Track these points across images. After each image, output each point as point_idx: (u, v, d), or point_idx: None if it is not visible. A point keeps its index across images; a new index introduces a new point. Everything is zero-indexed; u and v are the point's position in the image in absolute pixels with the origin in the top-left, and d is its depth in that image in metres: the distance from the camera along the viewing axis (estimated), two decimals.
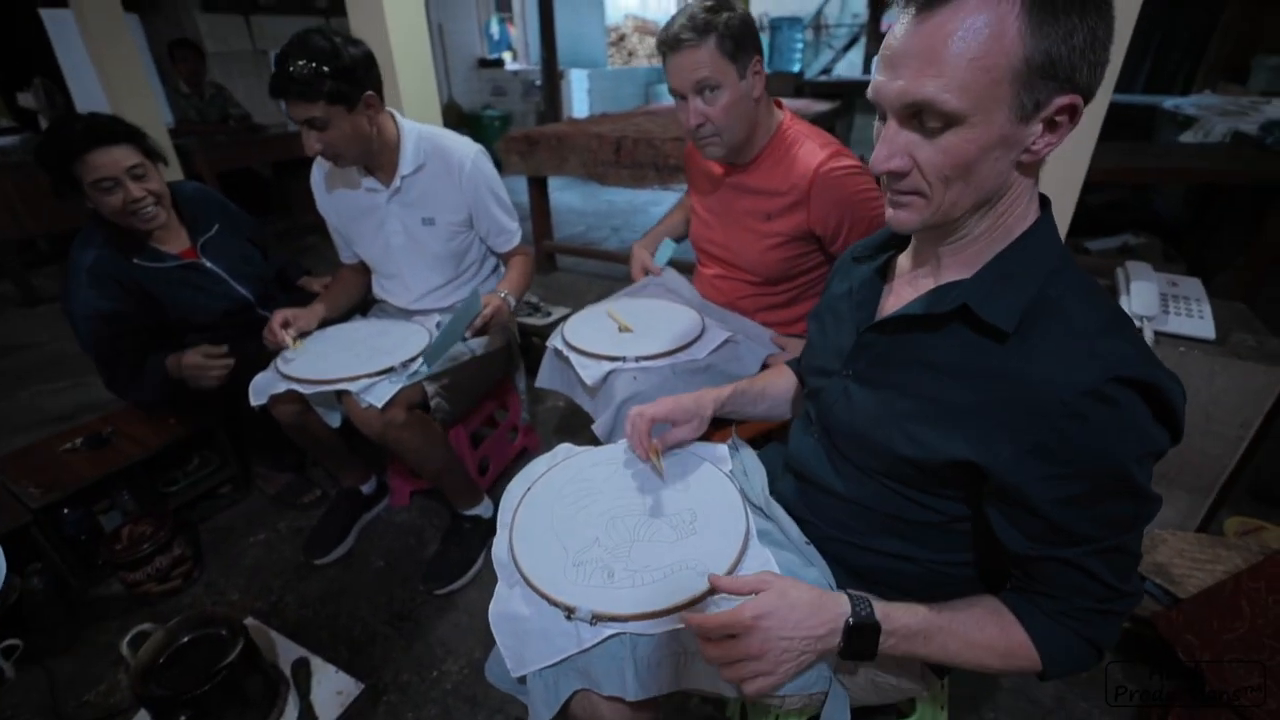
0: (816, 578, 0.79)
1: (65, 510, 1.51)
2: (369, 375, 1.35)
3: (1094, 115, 1.23)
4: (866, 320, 0.74)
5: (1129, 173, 2.07)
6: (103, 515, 1.61)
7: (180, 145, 3.27)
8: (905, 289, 0.73)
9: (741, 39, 1.12)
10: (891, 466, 0.70)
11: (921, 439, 0.65)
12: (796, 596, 0.62)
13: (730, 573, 0.74)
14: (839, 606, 0.63)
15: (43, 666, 1.35)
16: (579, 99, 7.12)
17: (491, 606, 0.78)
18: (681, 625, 0.68)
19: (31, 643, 1.37)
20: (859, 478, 0.75)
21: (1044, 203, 0.65)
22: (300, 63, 1.21)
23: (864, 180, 1.19)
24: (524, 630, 0.73)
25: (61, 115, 1.49)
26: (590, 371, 1.26)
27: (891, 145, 0.59)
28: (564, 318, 2.61)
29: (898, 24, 0.56)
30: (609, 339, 1.34)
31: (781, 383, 1.02)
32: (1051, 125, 0.56)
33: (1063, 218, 1.32)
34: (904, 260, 0.76)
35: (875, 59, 0.59)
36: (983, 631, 0.63)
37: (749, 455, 0.98)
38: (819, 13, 8.24)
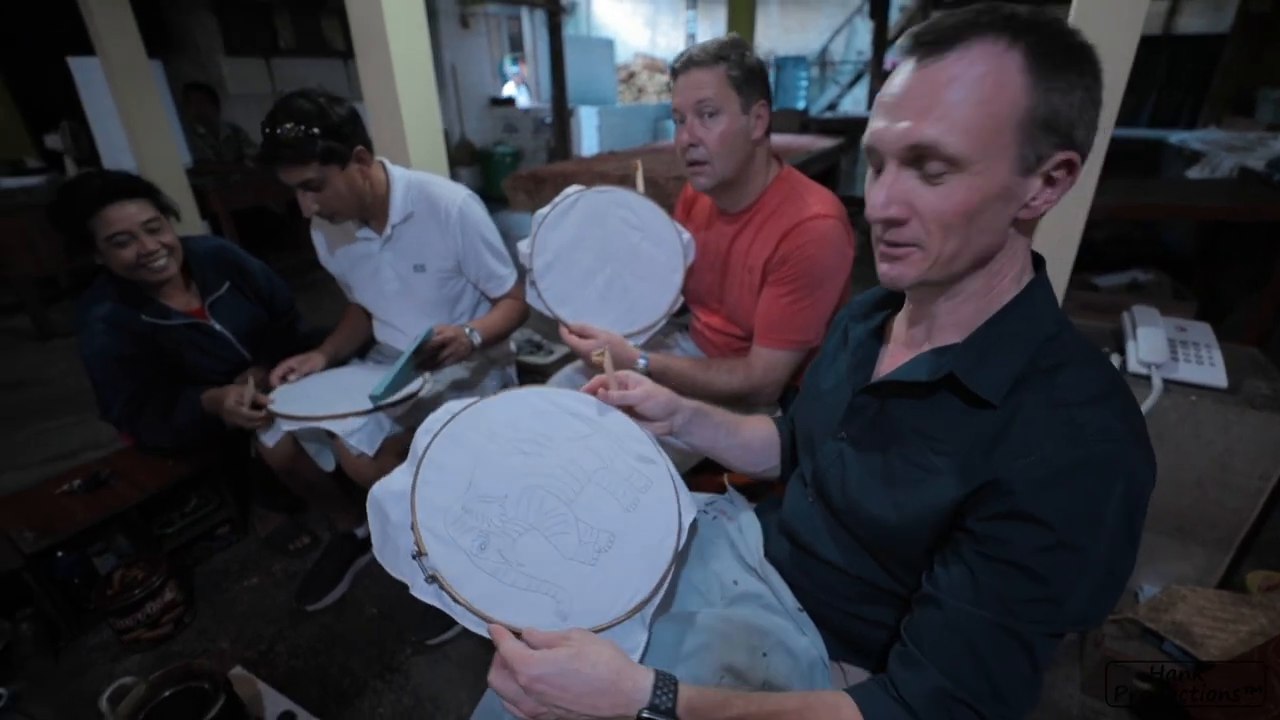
0: (807, 647, 0.76)
1: (59, 554, 1.50)
2: (355, 413, 1.34)
3: (1095, 156, 1.22)
4: (862, 382, 0.72)
5: (1134, 210, 2.05)
6: (97, 558, 1.60)
7: (197, 185, 3.36)
8: (901, 351, 0.71)
9: (751, 76, 1.14)
10: (884, 541, 0.67)
11: (908, 509, 0.63)
12: (590, 670, 0.56)
13: (604, 630, 0.66)
14: (636, 692, 0.57)
15: (27, 716, 1.33)
16: (588, 135, 7.27)
17: (381, 482, 0.71)
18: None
19: (16, 693, 1.36)
20: (853, 547, 0.72)
21: (1038, 262, 0.64)
22: (288, 126, 1.21)
23: (838, 248, 1.15)
24: (386, 530, 0.69)
25: (74, 176, 1.50)
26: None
27: (890, 190, 0.57)
28: (566, 356, 2.61)
29: (897, 73, 0.56)
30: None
31: (761, 429, 0.95)
32: (1050, 181, 0.56)
33: (1065, 260, 1.30)
34: (900, 321, 0.74)
35: (874, 107, 0.58)
36: None
37: (746, 511, 0.95)
38: (824, 50, 8.40)
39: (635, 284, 1.30)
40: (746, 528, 0.91)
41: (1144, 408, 1.20)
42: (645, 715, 0.56)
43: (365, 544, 1.72)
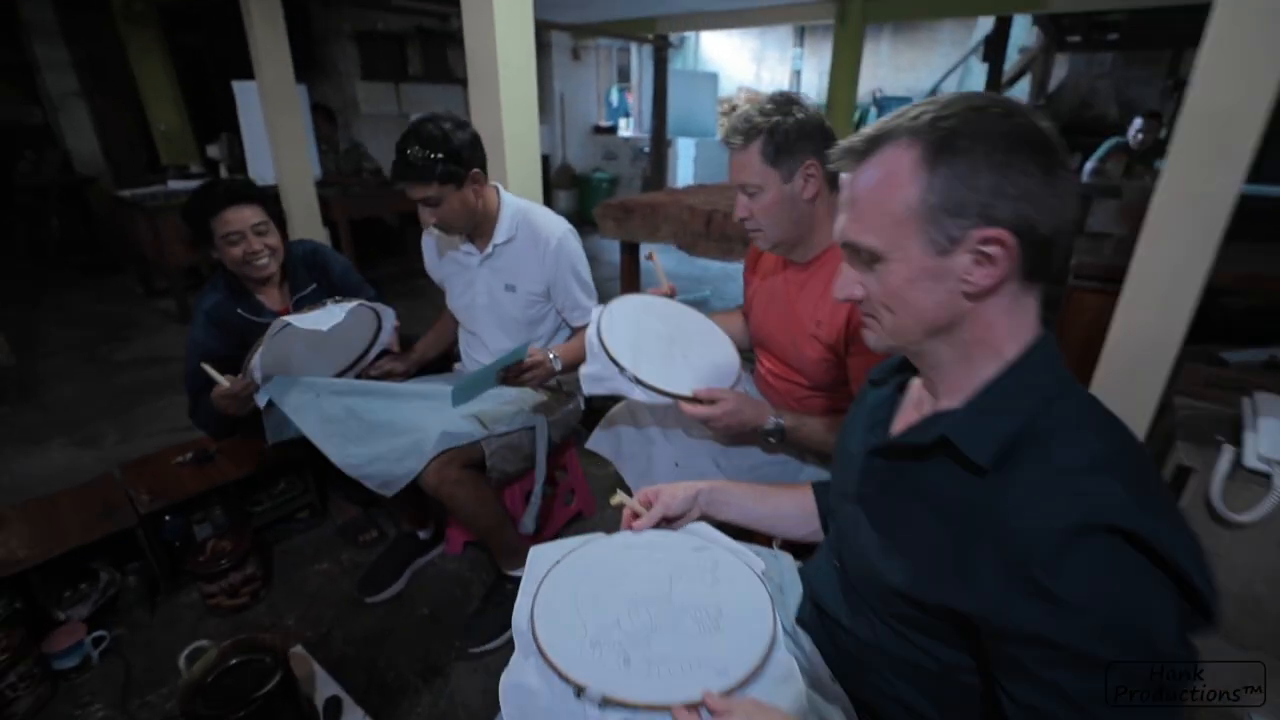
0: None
1: (167, 517, 1.68)
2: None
3: (1214, 218, 1.13)
4: (874, 444, 0.72)
5: (1268, 281, 1.84)
6: (197, 526, 1.78)
7: (322, 195, 3.72)
8: (911, 413, 0.71)
9: (788, 144, 1.12)
10: (894, 605, 0.65)
11: (915, 575, 0.61)
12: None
13: (750, 678, 0.68)
14: None
15: (123, 659, 1.49)
16: (684, 166, 7.40)
17: (504, 676, 0.76)
18: None
19: (117, 636, 1.53)
20: (869, 615, 0.70)
21: (1047, 324, 0.62)
22: (416, 149, 1.38)
23: None
24: (532, 705, 0.72)
25: (203, 183, 1.72)
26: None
27: (844, 276, 0.66)
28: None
29: None
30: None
31: (794, 496, 0.95)
32: (984, 257, 0.56)
33: (1177, 326, 1.20)
34: (915, 383, 0.74)
35: None
36: None
37: (789, 569, 0.93)
38: (934, 91, 8.14)
39: (706, 350, 1.33)
40: (788, 588, 0.90)
41: (1259, 510, 1.07)
42: None
43: (425, 545, 1.81)
